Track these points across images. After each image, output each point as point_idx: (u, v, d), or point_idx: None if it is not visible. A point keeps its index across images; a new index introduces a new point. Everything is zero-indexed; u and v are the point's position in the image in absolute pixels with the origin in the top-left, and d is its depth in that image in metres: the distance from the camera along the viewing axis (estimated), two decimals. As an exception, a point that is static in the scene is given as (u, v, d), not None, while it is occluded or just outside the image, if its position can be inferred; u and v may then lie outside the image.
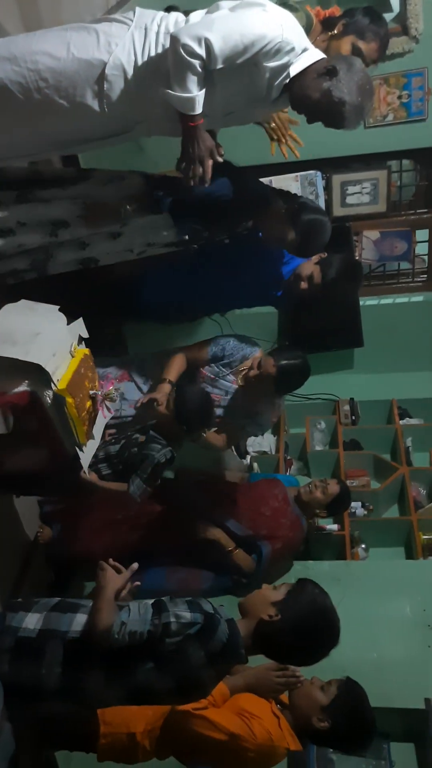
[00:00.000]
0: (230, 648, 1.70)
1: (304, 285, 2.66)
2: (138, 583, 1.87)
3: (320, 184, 3.87)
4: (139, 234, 2.34)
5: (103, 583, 1.77)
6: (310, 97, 1.97)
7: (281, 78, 1.95)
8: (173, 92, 1.86)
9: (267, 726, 1.92)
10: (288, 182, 3.87)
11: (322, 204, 3.95)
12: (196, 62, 1.81)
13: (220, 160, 2.05)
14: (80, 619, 1.77)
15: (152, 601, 1.76)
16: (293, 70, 1.94)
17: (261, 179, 3.85)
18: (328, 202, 3.97)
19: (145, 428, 2.59)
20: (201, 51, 1.80)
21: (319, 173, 3.82)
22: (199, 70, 1.83)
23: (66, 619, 1.77)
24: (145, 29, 1.95)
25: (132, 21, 1.97)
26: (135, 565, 1.84)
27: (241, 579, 2.74)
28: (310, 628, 1.77)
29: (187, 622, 1.67)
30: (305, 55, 1.95)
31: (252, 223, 2.54)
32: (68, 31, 1.99)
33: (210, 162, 2.03)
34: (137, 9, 2.01)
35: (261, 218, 2.51)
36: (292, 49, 1.90)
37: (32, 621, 1.79)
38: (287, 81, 1.96)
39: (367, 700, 2.04)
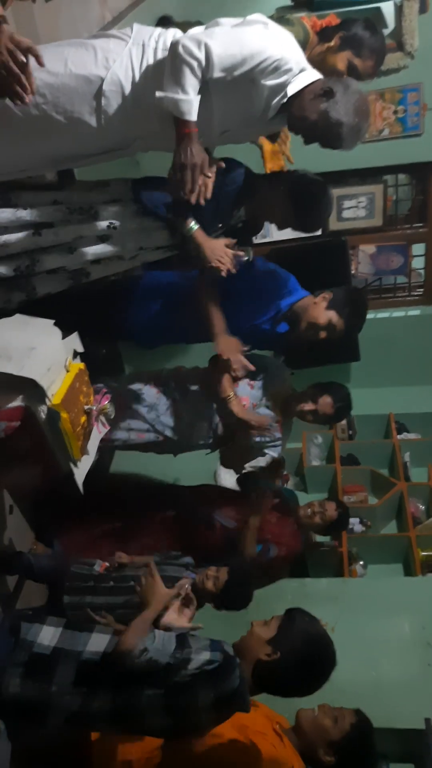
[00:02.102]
0: (239, 695, 1.69)
1: (323, 334, 2.53)
2: (201, 626, 1.88)
3: (316, 198, 3.87)
4: (130, 238, 2.28)
5: (150, 594, 1.78)
6: (307, 118, 1.96)
7: (278, 98, 1.95)
8: (169, 93, 1.84)
9: (271, 741, 1.87)
10: (284, 197, 3.89)
11: (318, 218, 3.96)
12: (194, 63, 1.80)
13: (210, 176, 2.02)
14: (96, 640, 1.75)
15: (177, 633, 1.75)
16: (290, 90, 1.94)
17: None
18: (325, 216, 3.98)
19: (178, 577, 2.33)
20: (200, 54, 1.79)
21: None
22: (198, 72, 1.82)
23: (81, 639, 1.76)
24: (143, 45, 1.94)
25: (130, 37, 1.97)
26: (184, 582, 1.86)
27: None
28: (309, 659, 1.78)
29: (206, 660, 1.67)
30: (302, 75, 1.95)
31: (246, 210, 2.43)
32: (66, 47, 1.98)
33: (202, 178, 1.99)
34: (135, 25, 2.01)
35: (259, 201, 2.39)
36: (290, 69, 1.90)
37: (47, 636, 1.77)
38: (284, 101, 1.96)
39: (374, 742, 2.00)
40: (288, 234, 3.99)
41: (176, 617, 1.85)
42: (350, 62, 2.35)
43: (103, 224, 2.21)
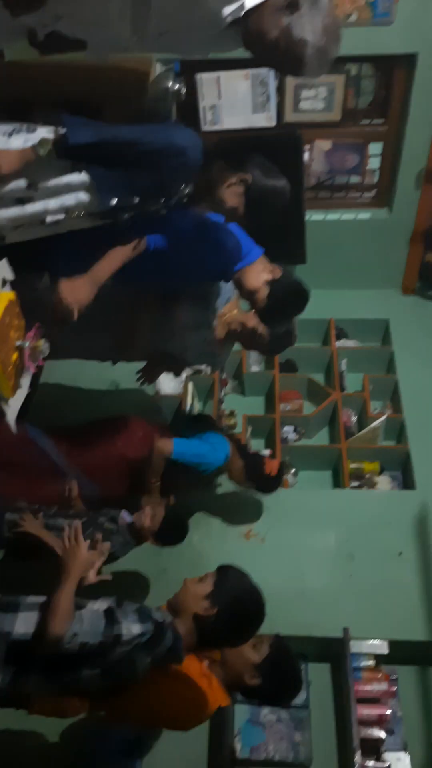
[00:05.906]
0: (172, 652, 1.77)
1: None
2: (109, 577, 1.90)
3: (273, 84, 3.55)
4: (53, 198, 1.99)
5: (71, 559, 1.76)
6: (266, 35, 1.66)
7: (232, 8, 1.67)
8: None
9: (197, 687, 1.96)
10: (237, 80, 3.54)
11: (273, 107, 3.65)
12: None
13: None
14: (23, 619, 1.72)
15: (104, 608, 1.75)
16: (248, 2, 1.65)
17: (207, 74, 3.51)
18: (280, 105, 3.67)
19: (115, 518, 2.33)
20: None
21: (272, 72, 3.49)
22: None
23: (8, 620, 1.72)
24: None
25: None
26: (107, 545, 1.89)
27: None
28: (244, 612, 1.87)
29: (138, 633, 1.70)
30: None
31: (193, 189, 2.12)
32: None
33: None
34: None
35: (207, 185, 2.11)
36: None
37: None
38: (241, 15, 1.67)
39: (294, 657, 2.15)
40: (240, 123, 3.70)
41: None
42: None
43: (21, 183, 1.94)
